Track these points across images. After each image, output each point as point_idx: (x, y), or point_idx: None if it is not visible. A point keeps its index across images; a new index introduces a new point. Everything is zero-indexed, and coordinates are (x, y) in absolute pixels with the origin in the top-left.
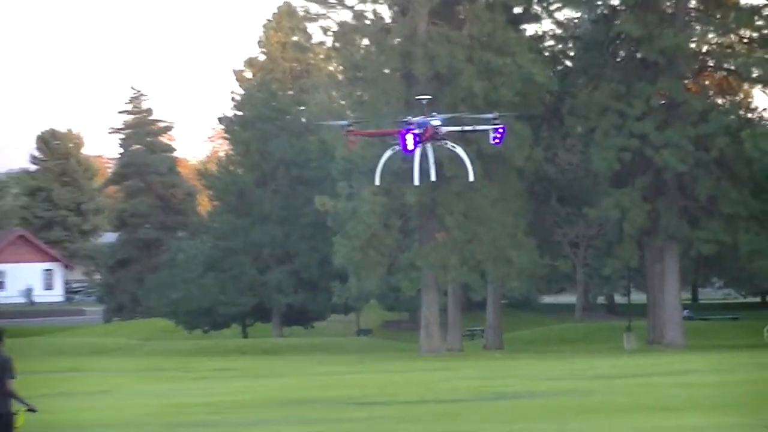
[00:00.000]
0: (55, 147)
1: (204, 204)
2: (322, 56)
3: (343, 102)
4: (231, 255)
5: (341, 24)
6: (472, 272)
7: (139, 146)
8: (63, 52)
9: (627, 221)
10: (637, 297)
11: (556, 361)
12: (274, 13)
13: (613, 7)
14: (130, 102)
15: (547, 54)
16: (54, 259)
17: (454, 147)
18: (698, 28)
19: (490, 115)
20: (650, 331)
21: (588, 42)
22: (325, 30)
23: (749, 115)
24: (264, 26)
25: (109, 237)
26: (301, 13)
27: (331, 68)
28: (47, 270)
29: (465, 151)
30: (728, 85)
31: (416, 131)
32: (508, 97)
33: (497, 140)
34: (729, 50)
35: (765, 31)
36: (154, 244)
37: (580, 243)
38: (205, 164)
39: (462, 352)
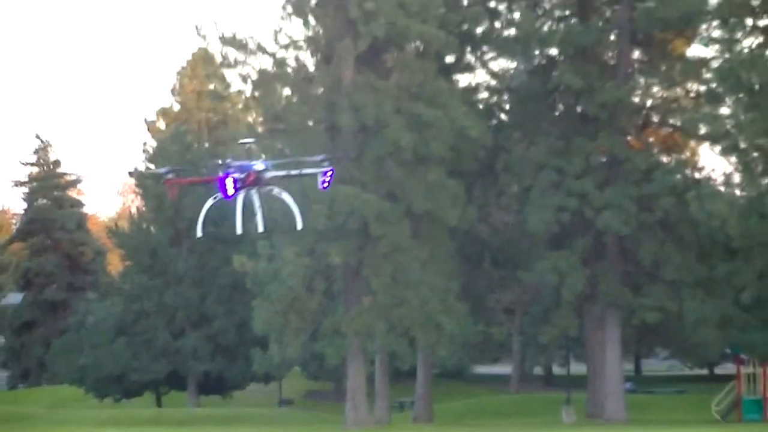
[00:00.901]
0: None
1: (114, 263)
2: (240, 106)
3: (263, 155)
4: (143, 318)
5: (261, 72)
6: (400, 339)
7: (45, 201)
8: None
9: (565, 286)
10: (577, 368)
11: None
12: (188, 60)
13: (552, 58)
14: (35, 153)
15: (480, 106)
16: None
17: (280, 193)
18: (642, 80)
19: (318, 158)
20: (590, 403)
21: (524, 94)
22: (243, 78)
23: (696, 175)
24: (178, 73)
25: (14, 297)
26: (218, 60)
27: (249, 119)
28: None
29: (293, 197)
30: (674, 142)
31: (236, 176)
32: (439, 151)
33: (326, 184)
34: (675, 105)
35: (713, 85)
36: (61, 305)
37: (515, 309)
38: (116, 221)
39: (390, 424)
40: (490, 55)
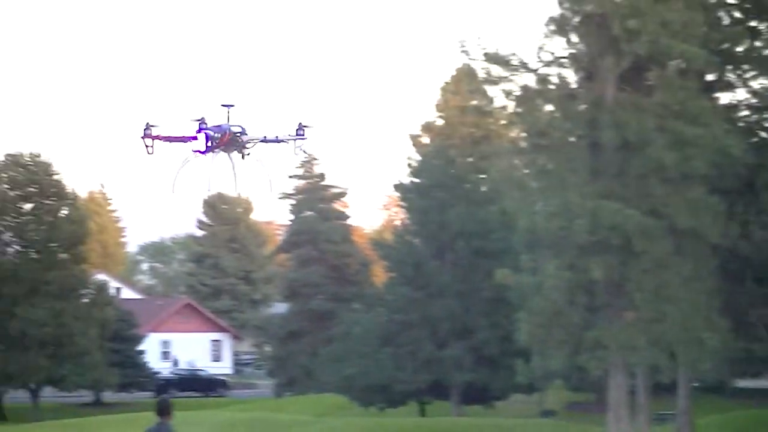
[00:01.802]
0: (223, 212)
1: (379, 275)
2: (503, 121)
3: (526, 170)
4: (407, 329)
5: (524, 88)
6: (661, 354)
7: (311, 213)
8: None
9: None
10: None
11: None
12: (452, 76)
13: None
14: (301, 166)
15: (741, 125)
16: (222, 330)
17: (258, 159)
18: None
19: (296, 127)
20: None
21: None
22: (506, 94)
23: None
24: (442, 89)
25: (280, 307)
26: (482, 76)
27: (512, 134)
28: (215, 341)
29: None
30: None
31: (211, 133)
32: (702, 169)
33: (298, 150)
34: None
35: None
36: (327, 315)
37: None
38: (380, 233)
39: None
40: (751, 73)
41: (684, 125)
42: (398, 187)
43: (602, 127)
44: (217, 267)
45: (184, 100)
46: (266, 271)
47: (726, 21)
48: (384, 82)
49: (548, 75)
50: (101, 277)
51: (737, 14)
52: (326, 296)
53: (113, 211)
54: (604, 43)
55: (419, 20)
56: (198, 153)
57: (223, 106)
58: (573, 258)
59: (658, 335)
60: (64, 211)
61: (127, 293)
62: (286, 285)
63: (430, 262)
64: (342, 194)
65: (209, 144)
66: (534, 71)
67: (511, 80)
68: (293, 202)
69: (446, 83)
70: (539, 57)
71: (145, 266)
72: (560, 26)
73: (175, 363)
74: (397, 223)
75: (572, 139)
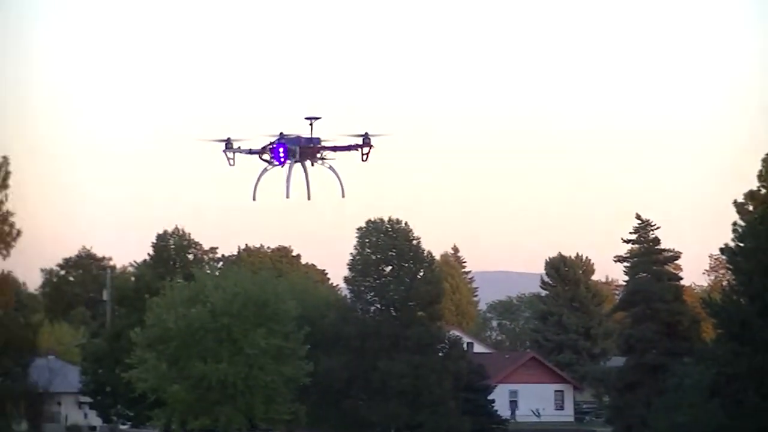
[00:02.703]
0: (565, 273)
1: (708, 331)
2: None
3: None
4: (734, 381)
5: None
6: None
7: (645, 274)
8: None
9: None
10: None
11: None
12: None
13: None
14: (636, 232)
15: None
16: (564, 381)
17: (327, 165)
18: None
19: (360, 135)
20: None
21: None
22: None
23: None
24: (763, 160)
25: (617, 361)
26: None
27: None
28: (558, 391)
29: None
30: None
31: (289, 146)
32: None
33: (365, 157)
34: None
35: None
36: (660, 368)
37: None
38: (709, 293)
39: None
40: None
41: None
42: (725, 250)
43: None
44: (559, 324)
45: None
46: (604, 328)
47: None
48: (707, 151)
49: None
50: (455, 333)
51: None
52: (659, 351)
53: (466, 272)
54: None
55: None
56: (276, 164)
57: (307, 119)
58: None
59: None
60: (421, 273)
61: (478, 348)
62: (623, 340)
63: (755, 320)
64: (674, 257)
65: (286, 155)
66: None
67: None
68: (629, 264)
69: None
70: None
71: (494, 323)
72: None
73: (537, 414)
74: (725, 283)
75: None
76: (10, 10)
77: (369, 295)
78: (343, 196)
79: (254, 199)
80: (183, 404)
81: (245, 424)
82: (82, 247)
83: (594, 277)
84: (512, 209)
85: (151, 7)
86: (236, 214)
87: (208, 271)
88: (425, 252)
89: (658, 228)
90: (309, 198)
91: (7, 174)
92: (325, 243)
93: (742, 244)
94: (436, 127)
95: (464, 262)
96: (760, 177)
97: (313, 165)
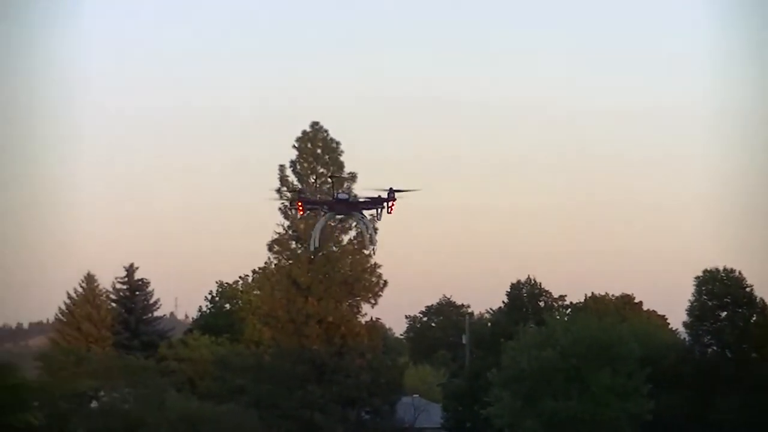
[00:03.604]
0: None
1: None
2: None
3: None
4: None
5: None
6: None
7: None
8: None
9: None
10: None
11: None
12: None
13: None
14: None
15: None
16: None
17: (363, 218)
18: None
19: (385, 190)
20: None
21: None
22: None
23: None
24: None
25: None
26: None
27: None
28: None
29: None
30: None
31: (344, 198)
32: None
33: (390, 210)
34: None
35: None
36: None
37: None
38: None
39: None
40: None
41: None
42: None
43: None
44: None
45: None
46: None
47: None
48: None
49: None
50: None
51: None
52: None
53: None
54: None
55: None
56: (335, 215)
57: (332, 176)
58: None
59: None
60: (754, 318)
61: None
62: None
63: None
64: None
65: (344, 208)
66: None
67: None
68: None
69: None
70: None
71: None
72: None
73: None
74: None
75: None
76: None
77: (706, 338)
78: (373, 247)
79: (314, 247)
80: None
81: None
82: (443, 295)
83: None
84: None
85: None
86: (584, 263)
87: (558, 317)
88: (758, 298)
89: None
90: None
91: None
92: (665, 291)
93: None
94: None
95: None
96: None
97: (380, 218)
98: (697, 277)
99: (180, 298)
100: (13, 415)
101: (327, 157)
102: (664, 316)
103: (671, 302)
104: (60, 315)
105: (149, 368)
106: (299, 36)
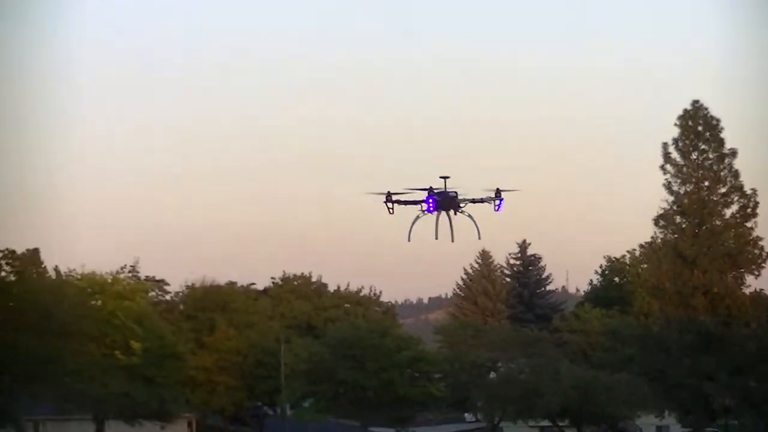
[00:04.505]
0: None
1: None
2: None
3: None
4: None
5: None
6: None
7: None
8: None
9: None
10: None
11: None
12: None
13: None
14: None
15: None
16: None
17: (467, 214)
18: None
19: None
20: None
21: None
22: None
23: None
24: None
25: None
26: None
27: None
28: None
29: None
30: None
31: (437, 198)
32: None
33: (498, 208)
34: None
35: None
36: None
37: None
38: None
39: None
40: None
41: None
42: None
43: None
44: None
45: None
46: None
47: None
48: None
49: None
50: None
51: None
52: None
53: None
54: None
55: None
56: (427, 212)
57: (441, 177)
58: None
59: None
60: None
61: None
62: None
63: None
64: None
65: (434, 205)
66: None
67: None
68: None
69: None
70: None
71: None
72: None
73: None
74: None
75: None
76: None
77: None
78: (479, 238)
79: (409, 240)
80: None
81: None
82: None
83: None
84: None
85: None
86: None
87: None
88: None
89: None
90: (453, 240)
91: (756, 204)
92: None
93: None
94: None
95: None
96: None
97: (455, 214)
98: None
99: (570, 272)
100: (417, 387)
101: (708, 134)
102: None
103: None
104: (458, 290)
105: (544, 339)
106: None
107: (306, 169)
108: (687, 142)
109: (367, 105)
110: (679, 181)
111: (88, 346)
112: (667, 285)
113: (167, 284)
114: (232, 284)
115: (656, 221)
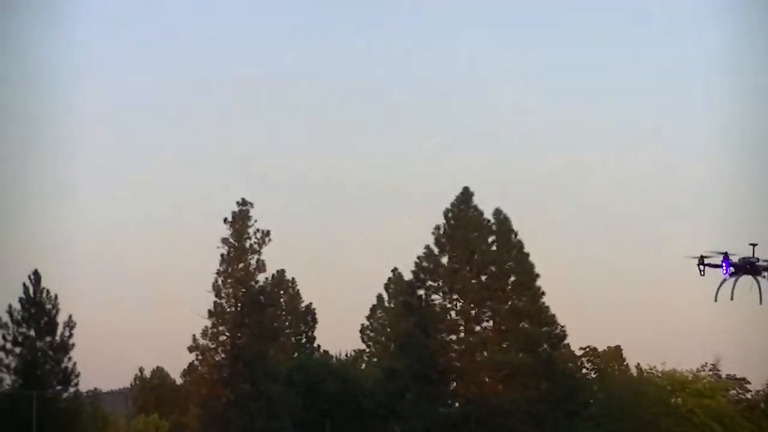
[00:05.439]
0: None
1: None
2: None
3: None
4: None
5: None
6: None
7: None
8: None
9: None
10: None
11: None
12: None
13: None
14: None
15: None
16: None
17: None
18: None
19: None
20: None
21: None
22: None
23: None
24: None
25: None
26: None
27: None
28: None
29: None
30: None
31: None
32: None
33: None
34: None
35: None
36: None
37: None
38: None
39: None
40: None
41: None
42: None
43: None
44: None
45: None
46: None
47: None
48: None
49: None
50: None
51: None
52: None
53: None
54: None
55: None
56: (725, 275)
57: (750, 244)
58: None
59: None
60: None
61: None
62: None
63: None
64: None
65: (731, 269)
66: None
67: None
68: None
69: None
70: None
71: None
72: None
73: None
74: None
75: None
76: None
77: None
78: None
79: (715, 300)
80: None
81: None
82: None
83: None
84: None
85: None
86: None
87: None
88: None
89: None
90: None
91: None
92: None
93: None
94: None
95: None
96: None
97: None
98: None
99: None
100: None
101: None
102: None
103: None
104: None
105: None
106: None
107: None
108: None
109: None
110: None
111: None
112: None
113: (748, 382)
114: None
115: None
